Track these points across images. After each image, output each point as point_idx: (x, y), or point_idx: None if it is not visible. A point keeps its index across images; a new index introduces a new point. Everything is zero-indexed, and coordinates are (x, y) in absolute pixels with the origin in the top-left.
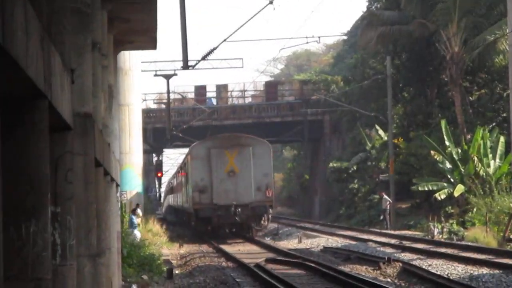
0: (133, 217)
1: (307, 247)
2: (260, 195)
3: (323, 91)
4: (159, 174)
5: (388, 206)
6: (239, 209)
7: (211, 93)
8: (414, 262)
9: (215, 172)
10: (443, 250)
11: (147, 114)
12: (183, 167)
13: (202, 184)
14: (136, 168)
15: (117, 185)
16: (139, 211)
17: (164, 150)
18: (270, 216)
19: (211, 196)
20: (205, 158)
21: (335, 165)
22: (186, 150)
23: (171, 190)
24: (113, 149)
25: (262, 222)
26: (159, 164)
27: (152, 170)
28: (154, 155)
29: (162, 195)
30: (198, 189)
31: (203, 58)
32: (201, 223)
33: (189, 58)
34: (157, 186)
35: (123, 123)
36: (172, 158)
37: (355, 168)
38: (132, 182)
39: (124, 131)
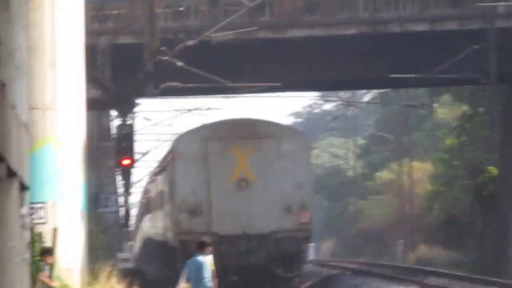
0: (45, 268)
1: None
2: (290, 220)
3: None
4: (124, 162)
5: None
6: (255, 243)
7: None
8: None
9: (215, 181)
10: None
11: (99, 12)
12: (162, 170)
13: (194, 201)
14: (70, 148)
15: (24, 188)
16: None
17: (138, 103)
18: (306, 254)
19: (208, 220)
20: (199, 157)
21: None
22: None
23: (146, 206)
24: (14, 100)
25: (294, 265)
26: (127, 137)
27: (108, 153)
28: (114, 115)
29: (134, 213)
30: (187, 208)
31: None
32: None
33: None
34: (119, 191)
35: (38, 36)
36: (161, 124)
37: None
38: (60, 181)
39: (41, 54)
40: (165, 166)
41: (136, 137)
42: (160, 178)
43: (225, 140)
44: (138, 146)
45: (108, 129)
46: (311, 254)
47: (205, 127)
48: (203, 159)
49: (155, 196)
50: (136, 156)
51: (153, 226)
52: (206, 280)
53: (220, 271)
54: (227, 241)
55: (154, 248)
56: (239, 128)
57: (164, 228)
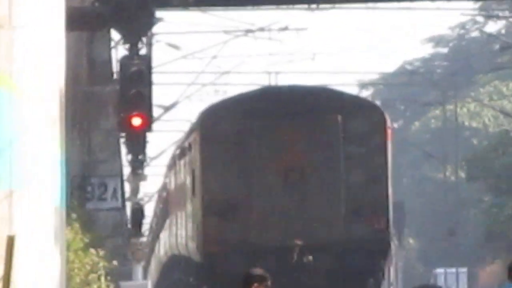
0: None
1: None
2: (359, 226)
3: None
4: (134, 123)
5: None
6: (310, 258)
7: None
8: None
9: (255, 173)
10: None
11: None
12: (183, 154)
13: (226, 199)
14: (37, 95)
15: None
16: None
17: (160, 19)
18: (384, 274)
19: (245, 226)
20: (234, 139)
21: None
22: None
23: (167, 205)
24: None
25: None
26: (139, 79)
27: (105, 106)
28: (116, 38)
29: (151, 213)
30: (215, 209)
31: None
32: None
33: None
34: (126, 173)
35: None
36: (198, 55)
37: None
38: (19, 154)
39: None
40: (187, 149)
41: (156, 78)
42: (180, 165)
43: (270, 116)
44: (159, 95)
45: (106, 64)
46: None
47: (242, 97)
48: (239, 141)
49: (174, 191)
50: (156, 112)
51: (173, 235)
52: None
53: None
54: (271, 255)
55: (177, 270)
56: (289, 99)
57: (185, 237)
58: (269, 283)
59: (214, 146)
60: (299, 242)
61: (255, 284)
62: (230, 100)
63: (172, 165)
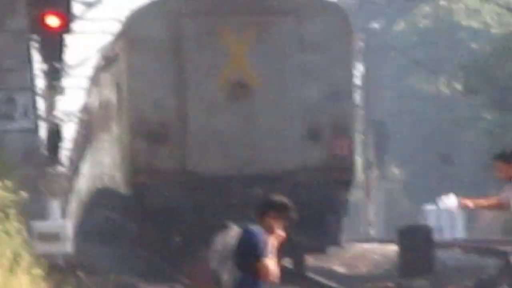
0: None
1: None
2: (317, 151)
3: None
4: (49, 22)
5: None
6: (258, 190)
7: None
8: None
9: (193, 86)
10: None
11: None
12: (107, 66)
13: (158, 119)
14: None
15: None
16: None
17: None
18: (346, 211)
19: (181, 151)
20: (167, 46)
21: None
22: None
23: (88, 128)
24: None
25: (326, 229)
26: None
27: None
28: None
29: (70, 136)
30: (146, 131)
31: None
32: (156, 227)
33: None
34: (39, 87)
35: None
36: None
37: None
38: None
39: None
40: (112, 60)
41: None
42: (104, 79)
43: (211, 17)
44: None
45: None
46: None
47: None
48: (174, 48)
49: (97, 110)
50: (76, 9)
51: (96, 164)
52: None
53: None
54: (212, 187)
55: (102, 206)
56: None
57: (111, 165)
58: (291, 215)
59: (143, 54)
60: (245, 171)
61: (272, 213)
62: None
63: (95, 79)
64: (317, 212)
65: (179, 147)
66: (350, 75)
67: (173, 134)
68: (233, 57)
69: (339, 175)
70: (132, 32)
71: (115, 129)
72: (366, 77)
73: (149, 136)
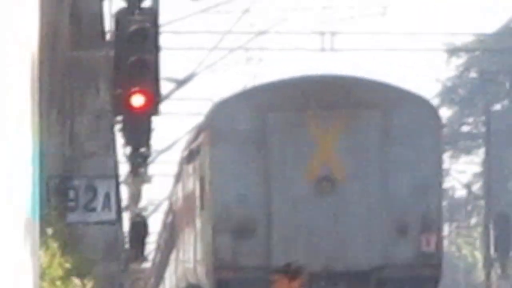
0: None
1: None
2: (405, 247)
3: None
4: (135, 102)
5: None
6: (345, 285)
7: None
8: None
9: (279, 180)
10: None
11: None
12: (190, 158)
13: (242, 214)
14: None
15: None
16: None
17: None
18: None
19: (266, 247)
20: (252, 139)
21: None
22: None
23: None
24: None
25: None
26: (142, 41)
27: (95, 78)
28: None
29: (157, 229)
30: (229, 226)
31: None
32: None
33: None
34: (123, 173)
35: None
36: (225, 10)
37: None
38: None
39: None
40: (195, 152)
41: (164, 40)
42: (188, 171)
43: (297, 111)
44: (169, 64)
45: (95, 20)
46: None
47: (262, 88)
48: (259, 141)
49: (182, 203)
50: (164, 88)
51: (181, 260)
52: None
53: None
54: None
55: None
56: (321, 90)
57: (195, 260)
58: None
59: (226, 147)
60: (331, 268)
61: (301, 277)
62: (247, 92)
63: (179, 169)
64: None
65: (264, 243)
66: (439, 169)
67: (258, 229)
68: (320, 150)
69: (427, 271)
70: (216, 124)
71: (198, 222)
72: (487, 164)
73: (233, 230)
